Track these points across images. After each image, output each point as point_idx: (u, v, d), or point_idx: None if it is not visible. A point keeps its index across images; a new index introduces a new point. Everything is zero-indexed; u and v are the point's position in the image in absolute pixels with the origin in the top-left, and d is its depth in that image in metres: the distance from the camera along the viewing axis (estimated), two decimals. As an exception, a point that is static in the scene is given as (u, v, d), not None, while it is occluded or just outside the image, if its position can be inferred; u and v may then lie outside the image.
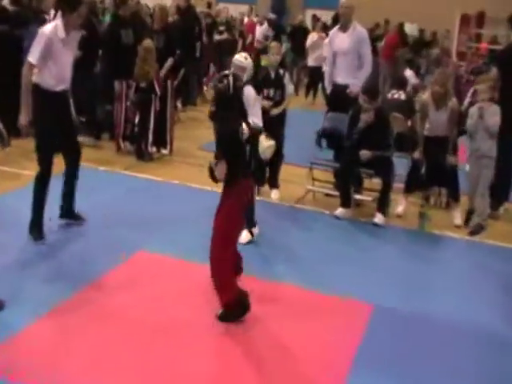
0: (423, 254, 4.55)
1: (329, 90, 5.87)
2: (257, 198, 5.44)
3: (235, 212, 3.26)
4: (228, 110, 3.27)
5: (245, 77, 4.39)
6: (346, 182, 5.16)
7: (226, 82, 3.25)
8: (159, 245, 4.20)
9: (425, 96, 5.24)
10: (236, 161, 3.20)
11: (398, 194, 5.41)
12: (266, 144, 5.08)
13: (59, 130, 4.08)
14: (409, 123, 5.92)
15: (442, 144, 5.09)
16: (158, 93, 6.30)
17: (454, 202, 5.25)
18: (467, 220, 5.07)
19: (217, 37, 10.75)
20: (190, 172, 5.95)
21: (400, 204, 5.35)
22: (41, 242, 4.06)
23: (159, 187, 5.55)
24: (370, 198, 5.31)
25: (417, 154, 5.21)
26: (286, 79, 5.37)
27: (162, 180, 5.74)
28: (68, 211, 4.42)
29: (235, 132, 3.23)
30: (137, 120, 6.37)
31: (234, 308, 3.27)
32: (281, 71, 5.38)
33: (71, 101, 4.26)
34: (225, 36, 10.77)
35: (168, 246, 4.17)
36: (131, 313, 3.32)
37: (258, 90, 5.40)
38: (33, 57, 3.89)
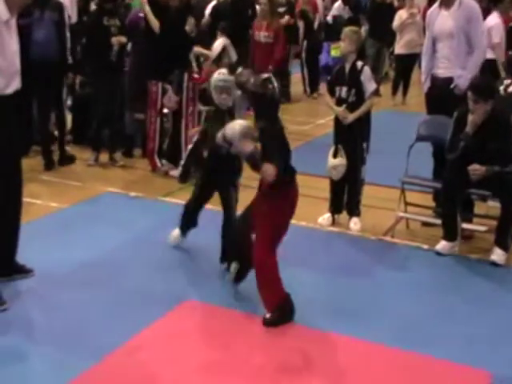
0: None
1: (426, 86, 5.87)
2: (332, 228, 5.55)
3: (279, 216, 3.96)
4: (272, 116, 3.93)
5: (231, 98, 4.70)
6: (451, 207, 5.11)
7: (271, 86, 3.87)
8: (210, 293, 4.35)
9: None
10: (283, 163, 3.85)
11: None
12: (333, 162, 5.26)
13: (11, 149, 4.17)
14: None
15: None
16: None
17: None
18: None
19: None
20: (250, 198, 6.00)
21: (527, 236, 5.23)
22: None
23: (213, 219, 5.64)
24: (484, 228, 5.24)
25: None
26: (365, 75, 5.40)
27: (213, 208, 5.84)
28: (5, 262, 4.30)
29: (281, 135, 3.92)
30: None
31: (283, 311, 4.01)
32: (358, 64, 5.44)
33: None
34: (285, 20, 10.88)
35: (221, 295, 4.32)
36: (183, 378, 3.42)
37: (331, 89, 5.57)
38: None
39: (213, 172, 4.78)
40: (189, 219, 5.01)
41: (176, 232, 5.06)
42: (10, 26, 4.06)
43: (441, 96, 5.63)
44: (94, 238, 5.12)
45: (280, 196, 3.95)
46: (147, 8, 6.68)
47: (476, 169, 4.88)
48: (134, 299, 4.21)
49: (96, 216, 5.65)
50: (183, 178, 6.63)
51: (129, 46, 7.30)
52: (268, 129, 3.88)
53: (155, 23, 6.66)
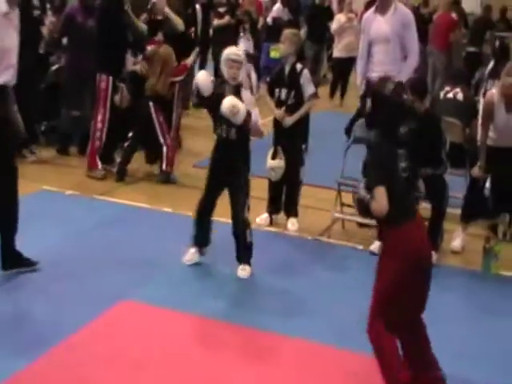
0: (489, 304, 4.57)
1: (362, 88, 5.96)
2: (270, 228, 5.59)
3: (398, 276, 3.14)
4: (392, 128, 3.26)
5: (241, 75, 4.57)
6: (386, 209, 5.20)
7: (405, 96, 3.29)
8: (148, 292, 4.32)
9: (491, 93, 5.25)
10: (394, 193, 3.12)
11: (453, 223, 5.45)
12: (272, 163, 5.31)
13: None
14: (467, 131, 5.98)
15: (512, 157, 5.13)
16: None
17: (530, 234, 5.29)
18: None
19: (215, 22, 10.95)
20: (184, 197, 6.02)
21: (456, 237, 5.40)
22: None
23: (146, 216, 5.67)
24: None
25: (477, 171, 5.26)
26: (304, 77, 5.46)
27: (150, 207, 5.86)
28: (12, 256, 4.40)
29: (393, 155, 3.21)
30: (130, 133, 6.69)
31: None
32: (298, 66, 5.50)
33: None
34: (226, 20, 10.93)
35: (158, 294, 4.29)
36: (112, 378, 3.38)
37: (270, 90, 5.62)
38: None
39: (221, 163, 4.59)
40: (202, 230, 4.72)
41: (191, 250, 4.77)
42: (10, 20, 4.09)
43: None
44: (30, 236, 4.90)
45: (389, 250, 3.20)
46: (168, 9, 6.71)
47: None
48: (70, 298, 4.15)
49: (31, 214, 5.45)
50: (120, 176, 6.58)
51: (65, 41, 7.17)
52: (377, 147, 3.25)
53: (179, 22, 6.75)
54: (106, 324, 3.93)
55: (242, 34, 10.42)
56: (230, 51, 4.60)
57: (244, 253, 4.67)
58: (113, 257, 4.79)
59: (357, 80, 6.10)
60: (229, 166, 4.56)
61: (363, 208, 3.20)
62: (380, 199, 3.09)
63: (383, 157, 3.19)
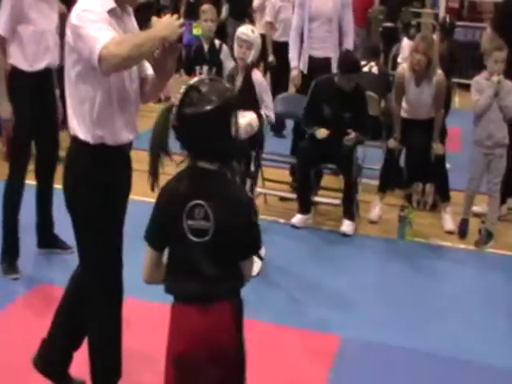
0: (404, 269, 4.68)
1: (299, 64, 5.79)
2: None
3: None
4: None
5: (251, 56, 4.46)
6: (305, 182, 5.25)
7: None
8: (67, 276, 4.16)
9: (402, 68, 5.35)
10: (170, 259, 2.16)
11: (371, 194, 5.56)
12: None
13: (38, 127, 4.10)
14: (382, 103, 6.09)
15: (424, 129, 5.26)
16: None
17: (443, 202, 5.43)
18: (462, 224, 5.22)
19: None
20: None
21: (374, 207, 5.48)
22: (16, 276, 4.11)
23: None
24: (337, 201, 5.38)
25: (392, 143, 5.36)
26: (224, 53, 5.40)
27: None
28: (48, 236, 4.44)
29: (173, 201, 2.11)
30: None
31: None
32: (217, 43, 5.46)
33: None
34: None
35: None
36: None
37: (188, 68, 5.52)
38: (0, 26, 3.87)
39: None
40: None
41: None
42: (44, 1, 3.95)
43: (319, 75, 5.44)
44: None
45: (170, 330, 2.19)
46: None
47: (350, 138, 5.04)
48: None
49: None
50: None
51: None
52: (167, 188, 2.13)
53: None
54: (21, 309, 3.82)
55: None
56: (240, 30, 4.53)
57: None
58: (31, 242, 4.59)
59: (290, 54, 5.86)
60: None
61: None
62: (144, 260, 2.17)
63: (159, 207, 2.13)
